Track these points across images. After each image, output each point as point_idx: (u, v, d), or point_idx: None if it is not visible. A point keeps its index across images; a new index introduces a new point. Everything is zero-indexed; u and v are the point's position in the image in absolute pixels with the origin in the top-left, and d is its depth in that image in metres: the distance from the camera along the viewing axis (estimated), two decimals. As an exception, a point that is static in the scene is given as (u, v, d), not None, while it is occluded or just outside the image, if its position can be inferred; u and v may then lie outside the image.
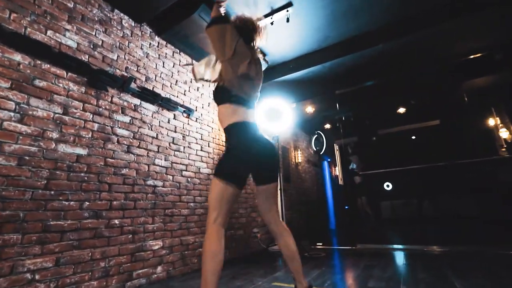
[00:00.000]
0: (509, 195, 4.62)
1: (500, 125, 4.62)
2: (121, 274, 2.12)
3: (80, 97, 2.11)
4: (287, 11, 2.89)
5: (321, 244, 4.35)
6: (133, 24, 2.68)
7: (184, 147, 3.01)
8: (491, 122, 4.96)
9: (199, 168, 3.16)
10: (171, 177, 2.78)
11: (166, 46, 3.03)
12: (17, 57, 1.78)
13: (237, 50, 1.46)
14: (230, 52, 1.44)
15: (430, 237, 4.63)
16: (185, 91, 3.16)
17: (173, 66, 3.07)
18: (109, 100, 2.32)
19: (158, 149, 2.69)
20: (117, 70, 2.43)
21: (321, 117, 6.11)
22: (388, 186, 7.34)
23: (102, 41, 2.35)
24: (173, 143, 2.88)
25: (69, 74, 2.06)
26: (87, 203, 2.02)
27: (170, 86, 2.97)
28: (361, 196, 5.86)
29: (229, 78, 1.45)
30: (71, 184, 1.94)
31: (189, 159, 3.05)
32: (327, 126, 6.77)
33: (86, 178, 2.04)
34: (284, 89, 4.42)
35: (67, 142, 1.97)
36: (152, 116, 2.69)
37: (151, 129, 2.66)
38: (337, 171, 4.32)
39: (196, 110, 3.26)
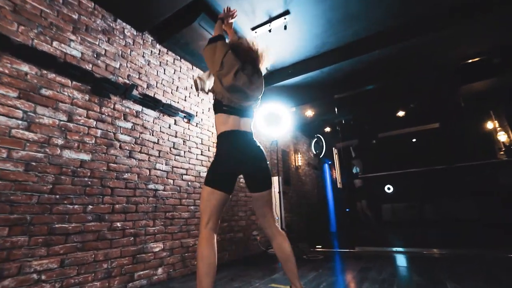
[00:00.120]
0: (509, 198, 4.65)
1: (499, 128, 4.66)
2: (123, 275, 2.20)
3: (84, 104, 2.19)
4: (285, 18, 2.97)
5: (320, 246, 4.40)
6: (135, 33, 2.77)
7: (184, 152, 3.09)
8: (490, 125, 5.00)
9: (200, 172, 3.24)
10: (171, 181, 2.86)
11: (167, 53, 3.12)
12: (25, 67, 1.87)
13: (224, 62, 1.54)
14: (217, 64, 1.54)
15: (430, 240, 4.67)
16: (185, 97, 3.25)
17: (174, 73, 3.16)
18: (112, 107, 2.41)
19: (159, 154, 2.77)
20: (120, 78, 2.52)
21: (320, 121, 6.17)
22: (389, 189, 7.38)
23: (105, 50, 2.44)
24: (173, 148, 2.96)
25: (74, 82, 2.15)
26: (91, 206, 2.10)
27: (171, 92, 3.06)
28: (360, 199, 5.91)
29: (218, 90, 1.55)
30: (75, 189, 2.02)
31: (189, 163, 3.13)
32: (327, 129, 6.83)
33: (89, 182, 2.13)
34: (283, 93, 4.49)
35: (71, 148, 2.05)
36: (153, 122, 2.78)
37: (153, 135, 2.74)
38: (336, 175, 4.37)
39: (196, 116, 3.34)
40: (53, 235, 1.85)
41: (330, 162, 8.41)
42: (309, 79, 4.05)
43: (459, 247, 3.64)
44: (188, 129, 3.21)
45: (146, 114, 2.72)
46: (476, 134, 5.43)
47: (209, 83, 1.74)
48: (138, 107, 2.65)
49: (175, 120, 3.05)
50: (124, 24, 2.67)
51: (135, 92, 2.62)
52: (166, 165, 2.83)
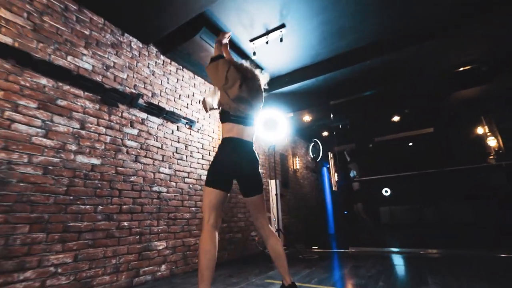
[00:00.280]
0: (504, 200, 4.80)
1: (489, 133, 4.84)
2: (130, 270, 2.38)
3: (94, 113, 2.39)
4: (281, 31, 3.16)
5: (316, 247, 4.57)
6: (140, 46, 2.97)
7: (186, 156, 3.28)
8: (481, 130, 5.18)
9: (200, 176, 3.43)
10: (174, 184, 3.05)
11: (170, 63, 3.32)
12: (43, 80, 2.07)
13: (228, 76, 1.74)
14: (223, 79, 1.74)
15: (425, 241, 4.82)
16: (187, 104, 3.45)
17: (177, 82, 3.36)
18: (120, 115, 2.60)
19: (162, 158, 2.97)
20: (127, 88, 2.72)
21: (317, 126, 6.36)
22: (386, 192, 7.54)
23: (114, 62, 2.65)
24: (176, 152, 3.16)
25: (86, 93, 2.35)
26: (101, 207, 2.29)
27: (174, 100, 3.26)
28: (357, 201, 6.08)
29: (225, 101, 1.75)
30: (87, 190, 2.21)
31: (191, 167, 3.32)
32: (325, 133, 7.01)
33: (99, 185, 2.32)
34: (281, 100, 4.69)
35: (83, 153, 2.25)
36: (157, 128, 2.97)
37: (157, 140, 2.94)
38: (331, 178, 4.55)
39: (197, 122, 3.54)
40: (67, 232, 2.04)
41: (328, 166, 8.58)
42: (305, 86, 4.25)
43: (453, 248, 3.79)
44: (190, 134, 3.41)
45: (151, 121, 2.91)
46: (469, 139, 5.61)
47: (216, 100, 1.94)
48: (143, 115, 2.84)
49: (177, 127, 3.24)
50: (131, 37, 2.87)
51: (141, 101, 2.82)
52: (169, 168, 3.02)
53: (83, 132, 2.27)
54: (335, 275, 2.67)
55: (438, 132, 6.21)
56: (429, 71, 4.17)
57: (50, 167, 2.01)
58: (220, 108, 1.83)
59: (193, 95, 3.56)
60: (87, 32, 2.45)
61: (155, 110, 2.96)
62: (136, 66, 2.87)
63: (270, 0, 2.72)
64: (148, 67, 3.01)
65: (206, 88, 3.81)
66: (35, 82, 2.02)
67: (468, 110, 5.41)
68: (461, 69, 4.17)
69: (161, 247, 2.72)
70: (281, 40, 3.21)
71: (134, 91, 2.78)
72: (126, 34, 2.83)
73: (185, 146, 3.30)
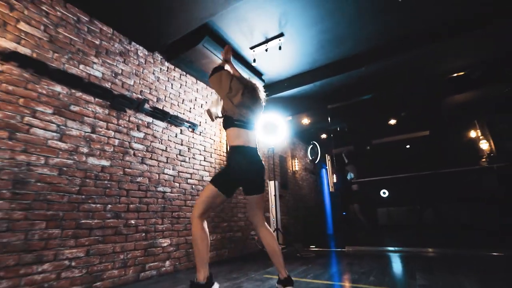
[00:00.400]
0: (492, 201, 4.95)
1: (481, 137, 4.99)
2: (137, 265, 2.54)
3: (104, 118, 2.55)
4: (280, 40, 3.33)
5: (314, 246, 4.72)
6: (146, 53, 3.14)
7: (189, 158, 3.44)
8: (474, 134, 5.33)
9: (202, 177, 3.59)
10: (178, 184, 3.20)
11: (174, 69, 3.48)
12: (58, 88, 2.23)
13: (232, 86, 1.91)
14: (227, 88, 1.90)
15: (421, 240, 4.96)
16: (190, 108, 3.61)
17: (180, 87, 3.52)
18: (127, 119, 2.76)
19: (167, 160, 3.12)
20: (134, 94, 2.88)
21: (316, 128, 6.53)
22: (384, 193, 7.69)
23: (122, 70, 2.81)
24: (179, 154, 3.31)
25: (96, 99, 2.51)
26: (110, 206, 2.45)
27: (178, 105, 3.42)
28: (355, 203, 6.22)
29: (229, 108, 1.93)
30: (97, 190, 2.37)
31: (193, 168, 3.48)
32: (323, 136, 7.17)
33: (108, 185, 2.47)
34: (280, 104, 4.85)
35: (94, 156, 2.41)
36: (162, 132, 3.13)
37: (161, 143, 3.10)
38: (329, 179, 4.70)
39: (200, 125, 3.70)
40: (79, 229, 2.19)
41: (327, 167, 8.74)
42: (303, 91, 4.41)
43: (447, 247, 3.92)
44: (193, 137, 3.57)
45: (156, 125, 3.07)
46: (463, 142, 5.76)
47: (219, 108, 2.11)
48: (149, 119, 3.00)
49: (181, 130, 3.40)
50: (137, 46, 3.04)
51: (146, 106, 2.98)
52: (173, 170, 3.18)
53: (94, 135, 2.43)
54: (330, 271, 2.82)
55: (433, 135, 6.36)
56: (423, 76, 4.33)
57: (64, 168, 2.17)
58: (224, 114, 1.99)
59: (195, 100, 3.72)
60: (97, 42, 2.61)
61: (159, 114, 3.12)
62: (142, 73, 3.03)
63: (269, 11, 2.88)
64: (154, 74, 3.17)
65: (208, 93, 3.98)
66: (51, 89, 2.18)
67: (462, 114, 5.57)
68: (454, 74, 4.33)
69: (165, 244, 2.88)
70: (280, 48, 3.37)
71: (140, 96, 2.94)
72: (133, 43, 2.99)
73: (188, 149, 3.46)
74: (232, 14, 2.90)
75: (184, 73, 3.63)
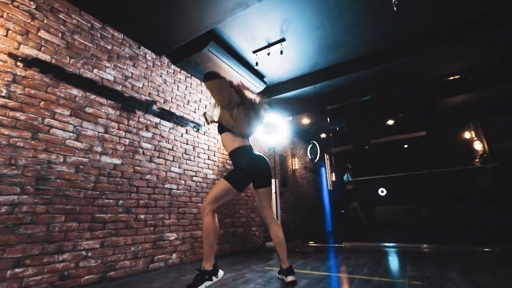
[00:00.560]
0: (486, 200, 5.10)
1: (475, 138, 5.15)
2: (146, 257, 2.71)
3: (116, 119, 2.71)
4: (281, 45, 3.49)
5: (312, 242, 4.90)
6: (154, 57, 3.30)
7: (194, 157, 3.61)
8: (469, 135, 5.49)
9: (206, 174, 3.75)
10: (183, 182, 3.37)
11: (180, 72, 3.64)
12: (74, 91, 2.40)
13: (231, 99, 2.03)
14: (226, 100, 2.01)
15: (416, 237, 5.13)
16: (195, 109, 3.77)
17: (186, 89, 3.68)
18: (137, 120, 2.93)
19: (173, 158, 3.29)
20: (143, 96, 3.04)
21: (316, 128, 6.69)
22: (382, 192, 7.86)
23: (132, 73, 2.97)
24: (185, 153, 3.48)
25: (108, 101, 2.67)
26: (121, 201, 2.61)
27: (183, 106, 3.58)
28: (353, 201, 6.40)
29: (226, 121, 2.03)
30: (110, 187, 2.54)
31: (198, 166, 3.65)
32: (323, 135, 7.33)
33: (120, 182, 2.64)
34: (281, 105, 5.02)
35: (107, 154, 2.57)
36: (168, 132, 3.30)
37: (168, 142, 3.26)
38: (328, 178, 4.87)
39: (204, 125, 3.86)
40: (94, 222, 2.36)
41: (326, 166, 8.91)
42: (304, 92, 4.57)
43: (442, 243, 4.08)
44: (197, 137, 3.73)
45: (163, 125, 3.24)
46: (458, 142, 5.92)
47: (215, 113, 2.16)
48: (157, 120, 3.16)
49: (186, 130, 3.56)
50: (146, 50, 3.19)
51: (154, 107, 3.14)
52: (179, 168, 3.34)
53: (106, 135, 2.60)
54: (327, 264, 2.99)
55: (430, 136, 6.52)
56: (421, 79, 4.48)
57: (81, 166, 2.34)
58: (219, 121, 2.09)
59: (200, 101, 3.88)
60: (109, 47, 2.77)
61: (166, 115, 3.28)
62: (151, 76, 3.19)
63: (271, 18, 3.04)
64: (161, 76, 3.33)
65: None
66: (68, 93, 2.35)
67: (458, 115, 5.73)
68: (450, 78, 4.48)
69: (172, 238, 3.05)
70: (281, 52, 3.53)
71: (148, 98, 3.10)
72: (142, 47, 3.15)
73: (193, 148, 3.63)
74: (237, 21, 3.05)
75: (189, 75, 3.78)
